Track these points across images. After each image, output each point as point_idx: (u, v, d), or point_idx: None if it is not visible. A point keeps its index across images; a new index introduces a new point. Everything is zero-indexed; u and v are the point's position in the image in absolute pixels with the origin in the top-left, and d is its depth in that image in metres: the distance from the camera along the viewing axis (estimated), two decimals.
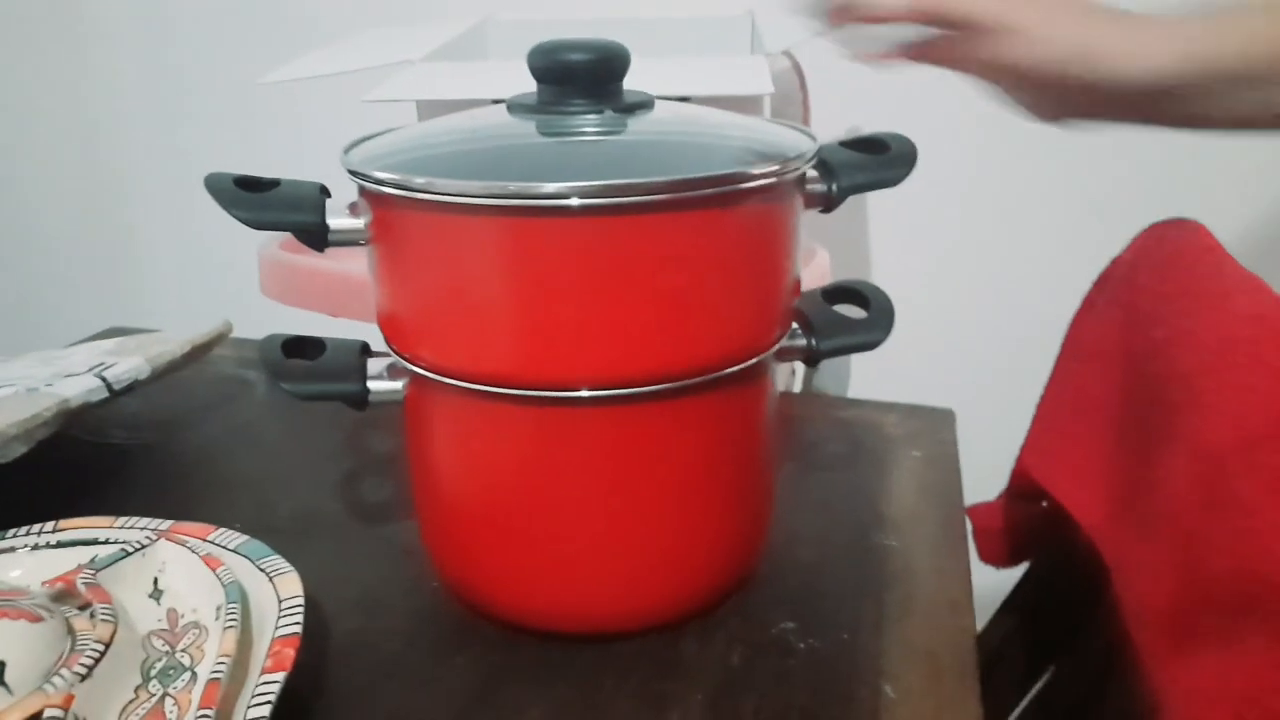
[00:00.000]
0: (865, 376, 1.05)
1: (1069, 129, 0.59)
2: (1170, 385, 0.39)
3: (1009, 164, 1.27)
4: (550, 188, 0.34)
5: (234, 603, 0.39)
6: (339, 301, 0.79)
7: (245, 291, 0.96)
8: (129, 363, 0.56)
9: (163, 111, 1.61)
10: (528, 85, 0.42)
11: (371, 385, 0.43)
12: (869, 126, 1.29)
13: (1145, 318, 0.43)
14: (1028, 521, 0.56)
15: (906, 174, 0.43)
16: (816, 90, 1.09)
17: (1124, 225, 1.20)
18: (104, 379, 0.54)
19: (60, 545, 0.45)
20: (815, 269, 0.85)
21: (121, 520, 0.47)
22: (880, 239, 1.34)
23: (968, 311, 1.32)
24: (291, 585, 0.41)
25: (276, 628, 0.39)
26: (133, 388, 0.56)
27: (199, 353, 0.62)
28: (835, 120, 1.23)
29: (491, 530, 0.42)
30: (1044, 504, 0.54)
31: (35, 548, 0.45)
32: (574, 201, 0.34)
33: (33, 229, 1.55)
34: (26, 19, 1.49)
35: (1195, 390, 0.36)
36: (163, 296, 1.66)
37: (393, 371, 0.43)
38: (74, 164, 1.59)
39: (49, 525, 0.46)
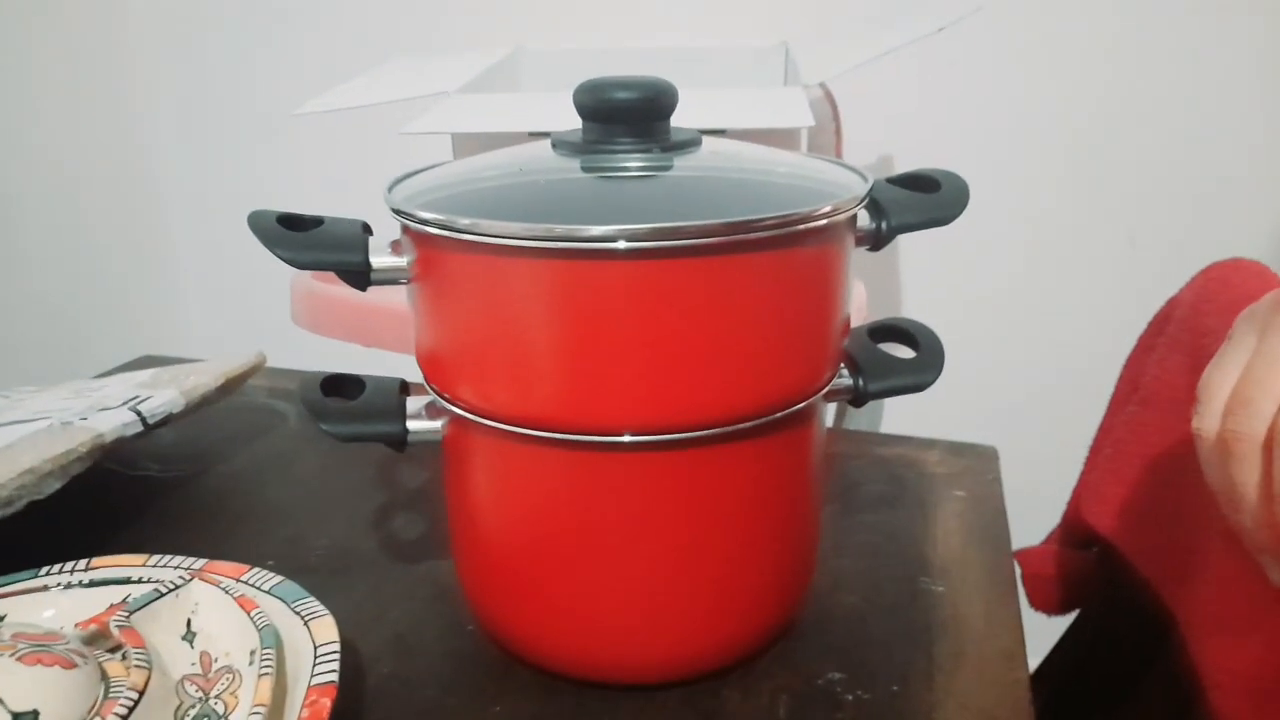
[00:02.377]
0: (898, 410, 1.03)
1: None
2: None
3: (1044, 195, 1.26)
4: (597, 230, 0.33)
5: (269, 648, 0.38)
6: (370, 332, 0.79)
7: (278, 319, 0.96)
8: (163, 396, 0.55)
9: (199, 140, 1.63)
10: (565, 116, 0.42)
11: (410, 425, 0.42)
12: (901, 157, 1.29)
13: None
14: (1080, 567, 0.54)
15: (959, 213, 0.42)
16: (850, 121, 1.08)
17: (1160, 256, 1.18)
18: (138, 412, 0.53)
19: (93, 584, 0.44)
20: (852, 302, 0.84)
21: (154, 558, 0.46)
22: (914, 271, 1.33)
23: (999, 343, 1.31)
24: (327, 630, 0.40)
25: (313, 675, 0.38)
26: (167, 421, 0.55)
27: (233, 385, 0.61)
28: (868, 151, 1.23)
29: (530, 575, 0.41)
30: (1094, 549, 0.52)
31: (68, 586, 0.44)
32: (621, 244, 0.33)
33: (66, 254, 1.56)
34: (69, 47, 1.51)
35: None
36: (196, 323, 1.67)
37: (431, 410, 0.42)
38: (109, 191, 1.60)
39: (81, 563, 0.45)
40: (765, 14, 1.25)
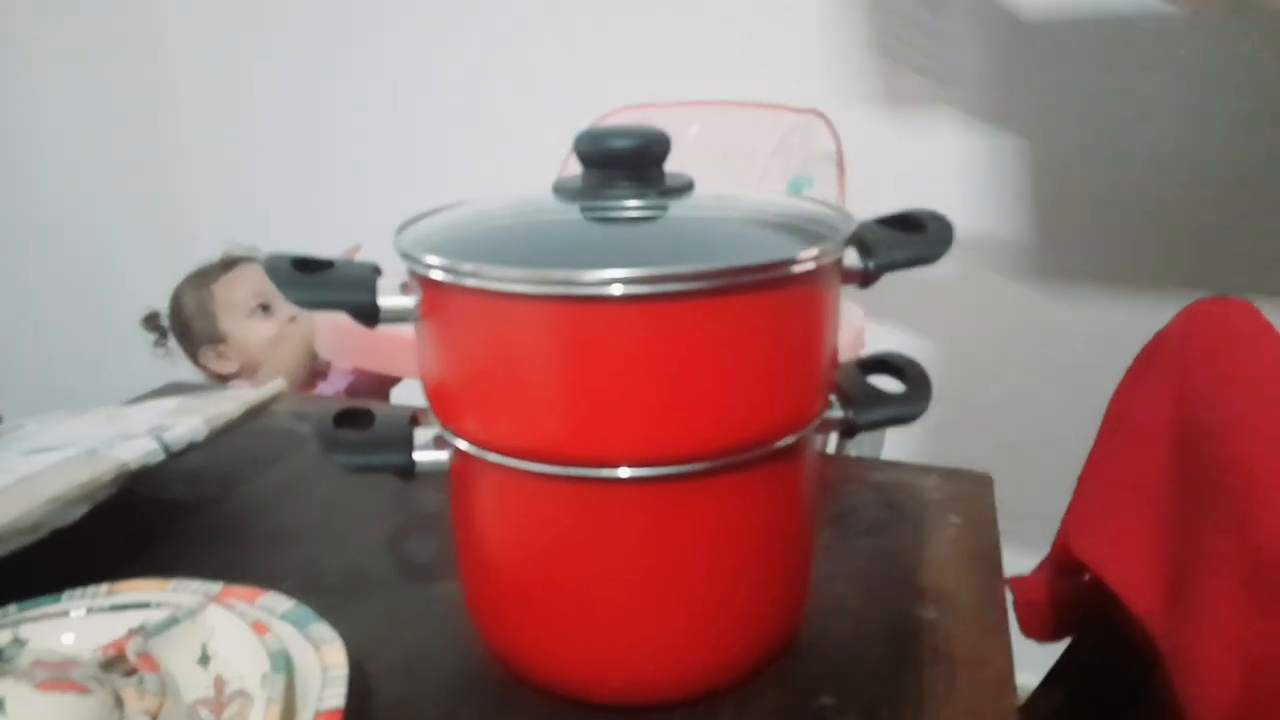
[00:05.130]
0: (899, 436, 1.03)
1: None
2: (1225, 471, 0.37)
3: (1039, 223, 1.25)
4: (593, 275, 0.33)
5: (279, 673, 0.38)
6: (392, 360, 0.79)
7: None
8: (187, 424, 0.56)
9: (230, 166, 1.64)
10: None
11: (418, 456, 0.42)
12: (905, 190, 1.28)
13: (1198, 399, 0.42)
14: (1071, 595, 0.53)
15: (944, 252, 0.42)
16: (853, 150, 1.08)
17: (1162, 281, 1.17)
18: (162, 441, 0.54)
19: (114, 609, 0.45)
20: (849, 332, 0.84)
21: (174, 583, 0.46)
22: (915, 298, 1.32)
23: (999, 368, 1.30)
24: (336, 656, 0.40)
25: (320, 699, 0.38)
26: (190, 449, 0.55)
27: (256, 412, 0.62)
28: (871, 183, 1.22)
29: (533, 601, 0.41)
30: (1085, 577, 0.52)
31: (89, 611, 0.44)
32: (617, 289, 0.33)
33: (97, 281, 1.58)
34: (103, 70, 1.53)
35: (1254, 480, 0.34)
36: None
37: (439, 442, 0.42)
38: (139, 219, 1.62)
39: (103, 588, 0.46)
40: None
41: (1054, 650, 0.62)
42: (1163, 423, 0.45)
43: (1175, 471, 0.43)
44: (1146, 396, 0.48)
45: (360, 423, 0.45)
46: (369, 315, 0.39)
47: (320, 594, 0.47)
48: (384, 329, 0.67)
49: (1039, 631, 0.55)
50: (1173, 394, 0.46)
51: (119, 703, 0.36)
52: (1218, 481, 0.38)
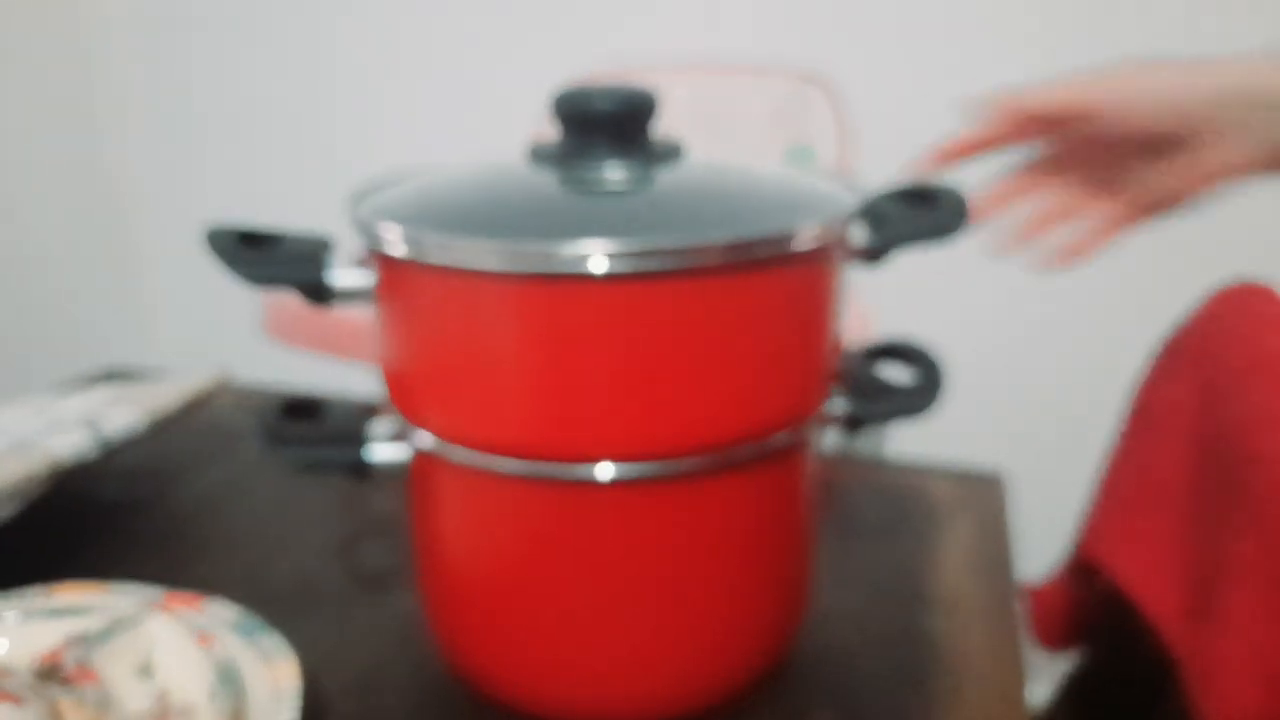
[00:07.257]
0: (905, 430, 1.03)
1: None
2: (1250, 467, 0.37)
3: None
4: (572, 250, 0.33)
5: (226, 688, 0.38)
6: (344, 344, 0.79)
7: (250, 328, 0.96)
8: (124, 417, 0.55)
9: (168, 141, 1.63)
10: None
11: (375, 453, 0.42)
12: (913, 158, 1.28)
13: (1220, 393, 0.42)
14: (1087, 602, 0.54)
15: (958, 228, 0.41)
16: (863, 123, 1.08)
17: (1179, 276, 1.18)
18: (98, 434, 0.53)
19: (51, 614, 0.44)
20: (852, 321, 0.83)
21: (115, 588, 0.46)
22: (923, 284, 1.32)
23: (1012, 360, 1.30)
24: (288, 670, 0.40)
25: (272, 717, 0.37)
26: (128, 442, 0.55)
27: (197, 404, 0.61)
28: (875, 155, 1.23)
29: (501, 614, 0.41)
30: (1102, 580, 0.52)
31: (26, 615, 0.44)
32: (598, 265, 0.33)
33: (33, 259, 1.56)
34: (36, 46, 1.52)
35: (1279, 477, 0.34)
36: (164, 332, 1.67)
37: (398, 437, 0.42)
38: (74, 194, 1.60)
39: (41, 592, 0.45)
40: None
41: (1065, 662, 0.63)
42: (1186, 416, 0.45)
43: (1199, 468, 0.43)
44: (1169, 389, 0.48)
45: (310, 415, 0.44)
46: (320, 294, 0.39)
47: (266, 604, 0.47)
48: (337, 310, 0.67)
49: (1053, 640, 0.56)
50: (1196, 386, 0.46)
51: (55, 715, 0.36)
52: (1241, 478, 0.38)
